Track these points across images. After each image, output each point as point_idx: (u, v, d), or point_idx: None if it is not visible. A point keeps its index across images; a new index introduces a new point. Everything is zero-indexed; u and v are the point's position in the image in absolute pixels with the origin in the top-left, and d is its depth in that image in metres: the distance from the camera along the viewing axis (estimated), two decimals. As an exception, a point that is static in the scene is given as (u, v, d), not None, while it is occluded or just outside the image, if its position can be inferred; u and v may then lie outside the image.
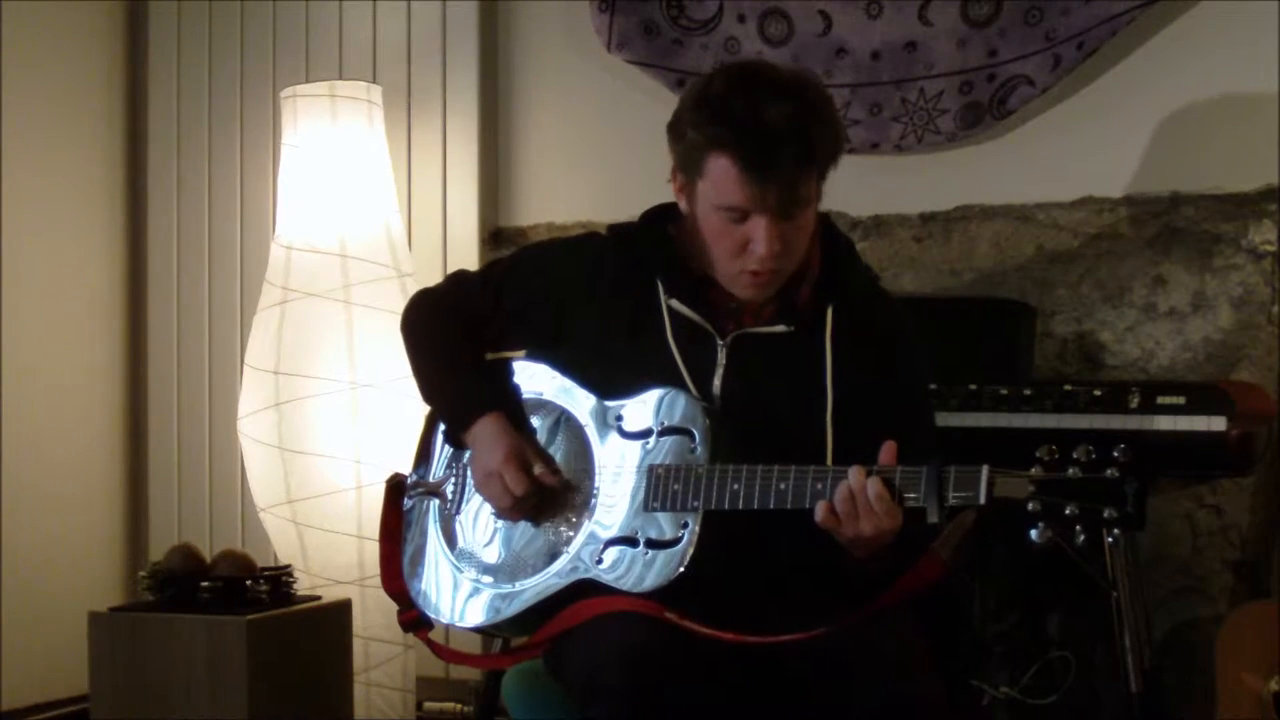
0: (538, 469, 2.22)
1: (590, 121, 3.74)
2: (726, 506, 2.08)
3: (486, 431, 2.26)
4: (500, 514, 2.27)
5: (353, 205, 3.48)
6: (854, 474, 2.01)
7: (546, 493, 2.24)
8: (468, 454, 2.32)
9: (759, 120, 2.07)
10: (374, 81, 3.66)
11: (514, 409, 2.30)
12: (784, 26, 3.45)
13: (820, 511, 2.02)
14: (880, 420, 2.14)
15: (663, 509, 2.13)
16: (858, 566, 2.10)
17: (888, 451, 2.02)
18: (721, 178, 2.11)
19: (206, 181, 4.02)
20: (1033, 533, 1.92)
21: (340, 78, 3.67)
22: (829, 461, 2.14)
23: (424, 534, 2.37)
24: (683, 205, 2.22)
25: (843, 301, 2.23)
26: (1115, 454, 1.90)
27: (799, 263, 2.20)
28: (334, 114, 3.49)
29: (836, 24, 3.41)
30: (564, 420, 2.28)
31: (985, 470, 1.94)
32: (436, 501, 2.37)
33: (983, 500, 1.94)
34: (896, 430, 2.06)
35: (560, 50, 3.76)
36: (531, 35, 3.79)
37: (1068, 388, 2.79)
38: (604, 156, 3.72)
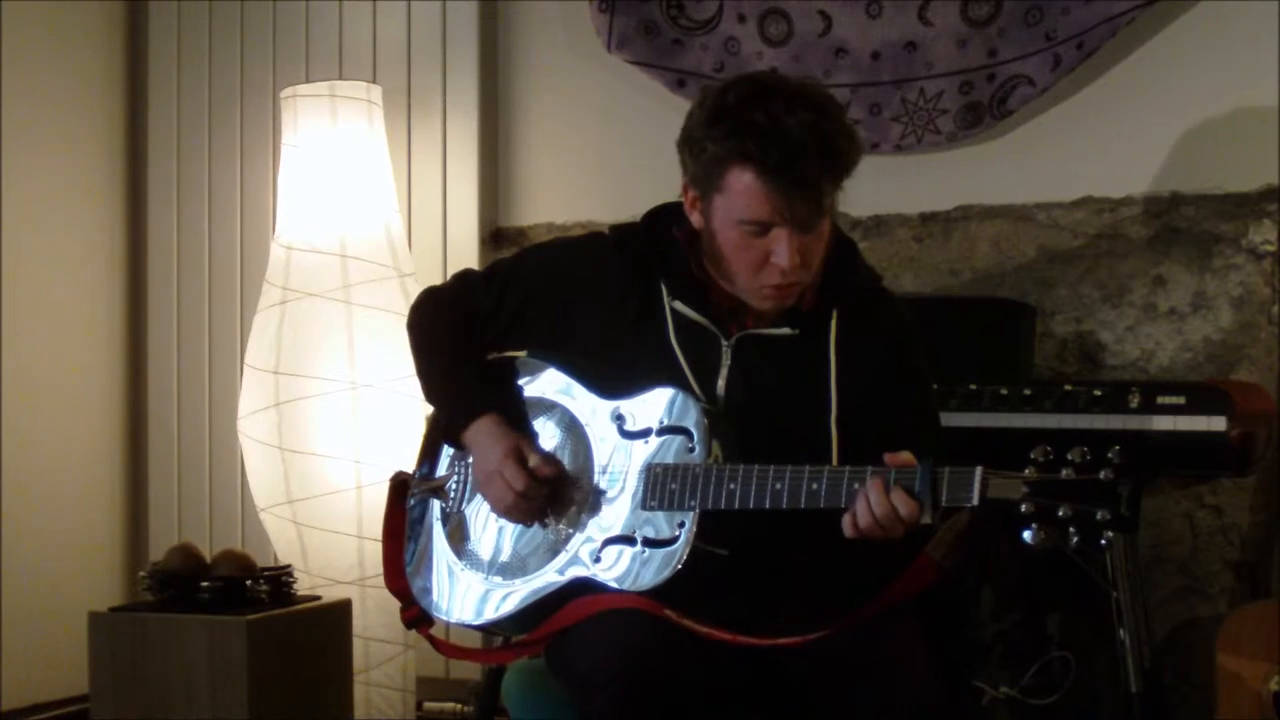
0: (533, 461, 2.22)
1: (590, 121, 3.74)
2: (723, 506, 2.08)
3: (483, 432, 2.25)
4: (505, 515, 2.26)
5: (353, 205, 3.48)
6: (875, 494, 1.98)
7: (549, 492, 2.24)
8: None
9: (782, 131, 2.05)
10: (374, 81, 3.66)
11: (513, 409, 2.30)
12: (784, 26, 3.45)
13: (848, 529, 2.01)
14: (885, 421, 2.14)
15: (660, 508, 2.13)
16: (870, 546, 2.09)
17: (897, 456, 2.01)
18: (744, 192, 2.09)
19: (206, 181, 4.02)
20: (1026, 534, 1.92)
21: (340, 78, 3.67)
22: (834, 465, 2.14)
23: (427, 533, 2.38)
24: (695, 220, 2.20)
25: (847, 305, 2.23)
26: (1109, 455, 1.89)
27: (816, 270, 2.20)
28: (334, 114, 3.49)
29: (836, 24, 3.41)
30: (565, 419, 2.28)
31: (979, 472, 1.94)
32: (439, 500, 2.38)
33: (976, 502, 1.93)
34: (901, 431, 2.06)
35: (560, 50, 3.76)
36: (531, 35, 3.79)
37: (1068, 388, 2.79)
38: (604, 156, 3.72)
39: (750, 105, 2.08)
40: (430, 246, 3.77)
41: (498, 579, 2.26)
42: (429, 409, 2.45)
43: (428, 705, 3.70)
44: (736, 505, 2.07)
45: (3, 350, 3.73)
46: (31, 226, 3.83)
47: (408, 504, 2.41)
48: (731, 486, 2.08)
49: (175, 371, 4.05)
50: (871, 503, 1.98)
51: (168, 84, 4.06)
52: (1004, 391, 2.82)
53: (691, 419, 2.15)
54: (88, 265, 4.02)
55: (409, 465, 2.46)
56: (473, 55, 3.76)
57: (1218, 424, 2.67)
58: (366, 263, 3.44)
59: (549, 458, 2.24)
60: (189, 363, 4.03)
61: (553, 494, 2.24)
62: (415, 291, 3.04)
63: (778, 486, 2.05)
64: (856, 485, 2.01)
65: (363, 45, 3.84)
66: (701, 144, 2.12)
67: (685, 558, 2.09)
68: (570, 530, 2.21)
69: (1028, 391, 2.80)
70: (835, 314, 2.22)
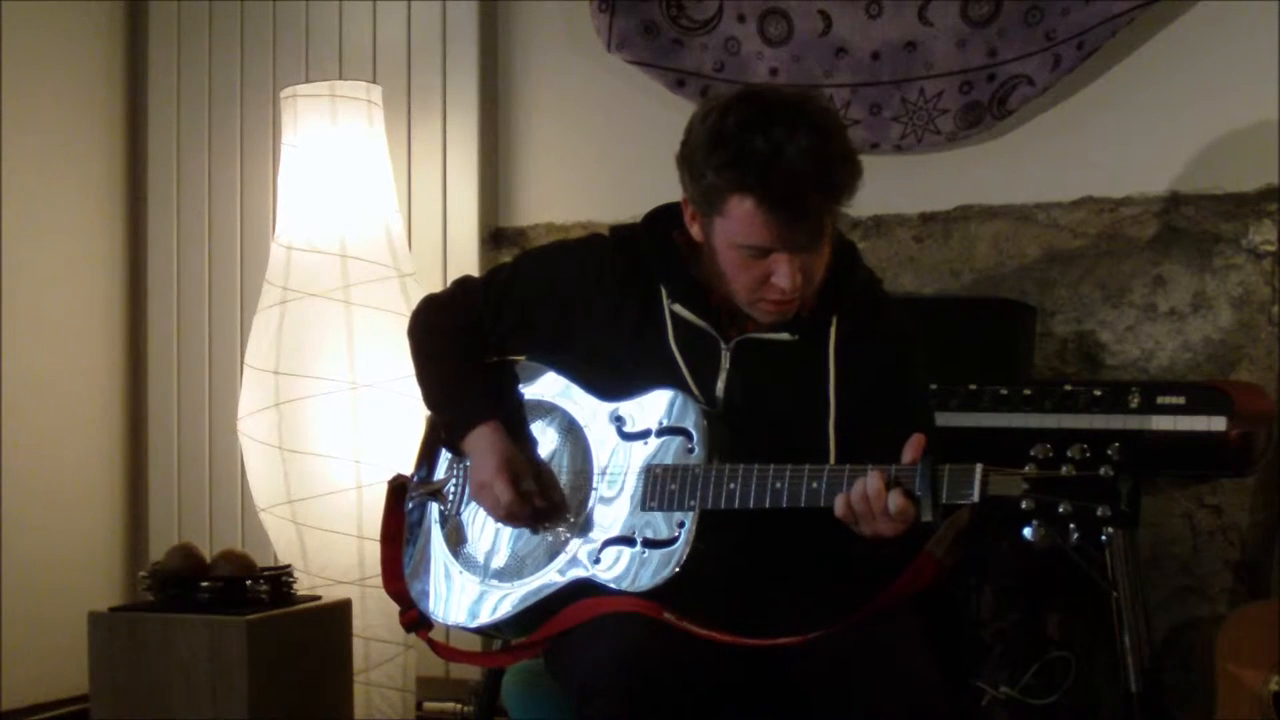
0: (525, 485, 2.22)
1: (590, 121, 3.74)
2: (723, 506, 2.08)
3: (482, 441, 2.26)
4: (500, 522, 2.27)
5: (353, 205, 3.48)
6: (873, 480, 2.00)
7: (544, 498, 2.24)
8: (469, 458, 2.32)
9: (782, 162, 2.04)
10: (374, 81, 3.66)
11: (512, 415, 2.30)
12: (784, 26, 3.45)
13: (839, 506, 2.02)
14: (882, 424, 2.14)
15: (660, 509, 2.13)
16: (867, 547, 2.09)
17: (913, 448, 2.01)
18: (744, 219, 2.08)
19: (206, 181, 4.03)
20: (1027, 531, 1.92)
21: (340, 78, 3.67)
22: None
23: (425, 535, 2.38)
24: (695, 233, 2.20)
25: (846, 311, 2.23)
26: (1109, 453, 1.90)
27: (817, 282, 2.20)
28: (334, 114, 3.49)
29: (836, 24, 3.41)
30: (564, 422, 2.28)
31: (979, 469, 1.94)
32: (437, 503, 2.38)
33: (977, 498, 1.94)
34: (898, 434, 2.06)
35: (560, 50, 3.76)
36: (531, 35, 3.79)
37: (1068, 388, 2.79)
38: (604, 156, 3.72)
39: (750, 130, 2.06)
40: (430, 246, 3.77)
41: (496, 581, 2.26)
42: (428, 411, 2.46)
43: (428, 705, 3.70)
44: (736, 505, 2.07)
45: (3, 350, 3.74)
46: (32, 227, 3.83)
47: (406, 507, 2.41)
48: (731, 486, 2.08)
49: (175, 371, 4.05)
50: (868, 485, 1.99)
51: (168, 84, 4.06)
52: (1004, 391, 2.81)
53: (691, 420, 2.15)
54: (88, 265, 4.02)
55: (409, 465, 2.46)
56: (473, 55, 3.76)
57: (1218, 424, 2.67)
58: (366, 263, 3.44)
59: (543, 479, 2.25)
60: (189, 363, 4.03)
61: (550, 500, 2.24)
62: (415, 291, 3.05)
63: (778, 486, 2.05)
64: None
65: (363, 45, 3.84)
66: (701, 170, 2.11)
67: (685, 558, 2.09)
68: (569, 532, 2.21)
69: (1028, 391, 2.80)
70: (835, 319, 2.22)
